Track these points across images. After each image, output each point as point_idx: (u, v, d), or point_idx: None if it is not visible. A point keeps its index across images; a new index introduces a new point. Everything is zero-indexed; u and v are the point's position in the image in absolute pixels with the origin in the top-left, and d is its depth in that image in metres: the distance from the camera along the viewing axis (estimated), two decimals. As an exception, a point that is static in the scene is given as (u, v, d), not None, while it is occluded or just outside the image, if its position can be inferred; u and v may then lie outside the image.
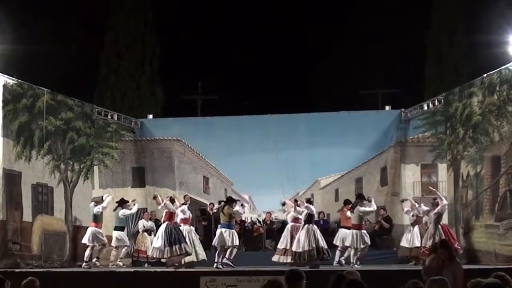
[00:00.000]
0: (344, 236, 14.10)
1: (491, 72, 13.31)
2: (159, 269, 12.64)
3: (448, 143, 14.84)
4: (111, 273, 12.29)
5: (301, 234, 12.88)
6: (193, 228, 14.15)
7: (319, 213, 16.82)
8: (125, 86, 20.83)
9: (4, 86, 13.26)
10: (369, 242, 13.44)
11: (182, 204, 14.00)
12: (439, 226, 13.20)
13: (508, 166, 12.57)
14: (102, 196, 14.55)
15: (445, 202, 13.45)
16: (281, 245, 13.57)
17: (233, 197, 13.73)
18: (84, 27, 19.15)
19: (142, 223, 15.62)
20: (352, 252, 13.51)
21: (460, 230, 13.96)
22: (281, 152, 16.94)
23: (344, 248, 14.01)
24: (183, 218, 13.68)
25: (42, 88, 14.34)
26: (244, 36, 20.64)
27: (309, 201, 13.34)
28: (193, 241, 13.53)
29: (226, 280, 11.07)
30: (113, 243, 14.61)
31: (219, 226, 13.25)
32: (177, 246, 12.74)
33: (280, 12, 21.22)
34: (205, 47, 20.89)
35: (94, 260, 13.59)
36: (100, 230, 13.80)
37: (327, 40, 20.37)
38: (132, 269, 13.00)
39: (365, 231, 13.53)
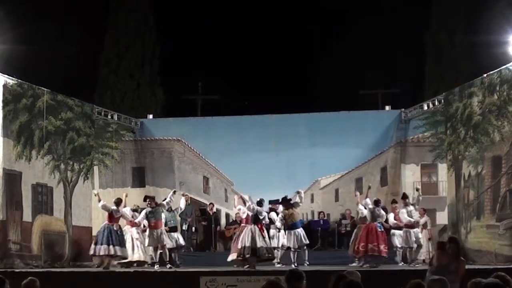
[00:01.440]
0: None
1: (491, 72, 13.31)
2: (159, 269, 12.65)
3: (448, 143, 14.84)
4: (111, 273, 12.27)
5: (243, 232, 12.80)
6: (137, 230, 14.10)
7: (319, 213, 16.83)
8: (125, 86, 20.81)
9: (4, 86, 13.26)
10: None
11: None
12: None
13: (509, 166, 12.57)
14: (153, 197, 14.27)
15: (368, 201, 13.43)
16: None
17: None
18: (84, 27, 19.14)
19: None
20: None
21: (462, 230, 13.96)
22: (281, 152, 16.95)
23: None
24: (130, 220, 13.82)
25: (42, 88, 14.33)
26: (244, 36, 20.63)
27: (259, 203, 13.07)
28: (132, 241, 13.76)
29: (226, 280, 11.06)
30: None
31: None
32: (116, 248, 12.82)
33: (280, 12, 21.21)
34: (205, 47, 20.88)
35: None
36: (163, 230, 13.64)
37: (327, 40, 20.37)
38: (132, 269, 12.98)
39: (415, 230, 13.52)
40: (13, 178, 13.33)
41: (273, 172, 16.66)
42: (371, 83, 19.88)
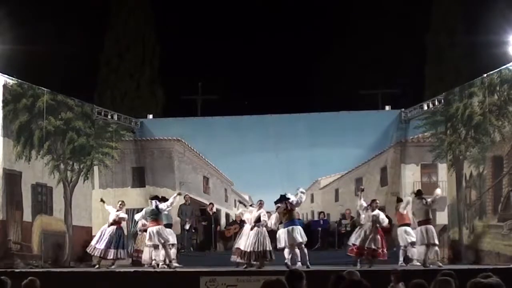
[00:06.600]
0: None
1: (491, 72, 13.32)
2: (159, 269, 12.64)
3: (448, 143, 14.84)
4: (111, 273, 12.27)
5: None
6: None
7: (319, 213, 16.83)
8: (125, 86, 20.83)
9: (4, 86, 13.28)
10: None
11: None
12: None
13: (511, 167, 12.56)
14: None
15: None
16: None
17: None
18: (84, 27, 19.14)
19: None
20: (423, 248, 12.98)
21: (465, 231, 13.95)
22: (281, 152, 16.93)
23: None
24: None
25: (42, 88, 14.35)
26: (244, 36, 20.63)
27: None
28: None
29: (226, 280, 11.05)
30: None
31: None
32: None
33: (280, 12, 21.21)
34: (205, 47, 20.88)
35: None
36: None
37: (327, 40, 20.37)
38: (132, 269, 12.98)
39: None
40: (13, 178, 13.34)
41: (273, 172, 16.65)
42: (371, 83, 19.87)
